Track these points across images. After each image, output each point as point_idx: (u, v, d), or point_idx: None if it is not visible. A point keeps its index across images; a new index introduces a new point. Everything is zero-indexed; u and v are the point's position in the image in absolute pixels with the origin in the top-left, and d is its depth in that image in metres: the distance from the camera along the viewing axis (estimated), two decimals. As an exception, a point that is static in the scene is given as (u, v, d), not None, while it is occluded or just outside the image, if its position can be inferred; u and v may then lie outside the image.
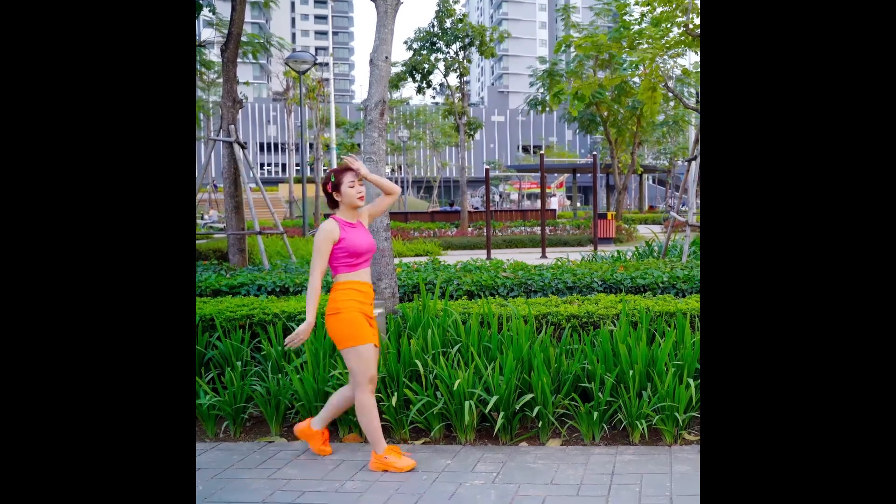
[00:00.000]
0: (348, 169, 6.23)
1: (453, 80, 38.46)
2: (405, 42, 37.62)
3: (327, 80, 67.68)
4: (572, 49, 22.50)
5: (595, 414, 6.38)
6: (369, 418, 6.05)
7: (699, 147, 13.90)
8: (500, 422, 6.43)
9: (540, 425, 6.55)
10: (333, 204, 6.29)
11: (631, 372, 6.43)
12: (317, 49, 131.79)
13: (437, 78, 38.46)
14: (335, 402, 6.37)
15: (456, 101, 38.95)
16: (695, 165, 13.91)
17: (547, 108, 40.37)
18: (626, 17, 15.63)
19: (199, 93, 37.30)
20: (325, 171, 56.79)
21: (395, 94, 59.15)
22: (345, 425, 6.81)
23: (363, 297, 6.13)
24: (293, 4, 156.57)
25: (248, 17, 18.79)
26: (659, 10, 14.25)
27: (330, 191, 6.22)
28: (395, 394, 6.63)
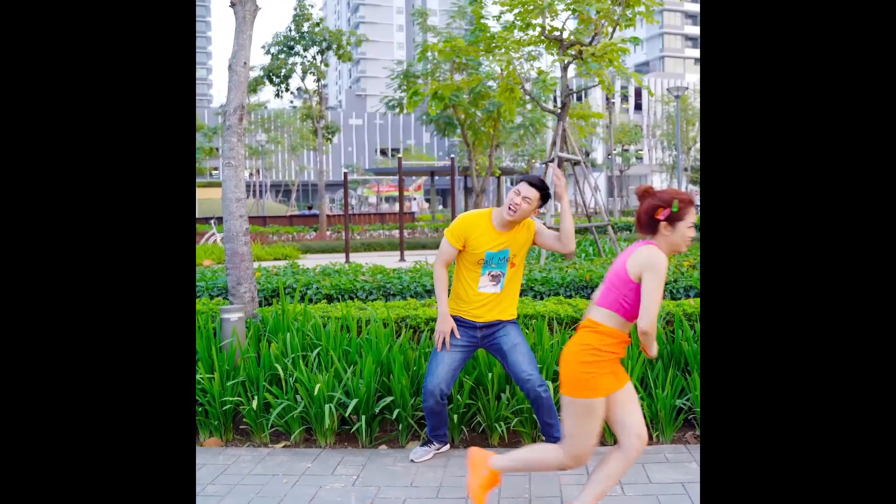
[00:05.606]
0: (692, 202, 4.63)
1: (311, 83, 38.28)
2: (263, 46, 37.30)
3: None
4: (428, 53, 22.55)
5: (454, 416, 6.47)
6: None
7: (556, 150, 13.99)
8: (360, 425, 6.47)
9: (400, 428, 6.60)
10: (649, 229, 4.68)
11: (490, 374, 6.51)
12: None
13: (295, 82, 38.46)
14: (530, 457, 4.94)
15: (314, 104, 38.80)
16: (552, 167, 13.94)
17: (404, 110, 40.44)
18: (483, 21, 15.66)
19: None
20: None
21: (254, 98, 58.73)
22: (205, 429, 6.76)
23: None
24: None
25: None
26: (517, 9, 14.33)
27: (663, 218, 4.56)
28: (255, 397, 6.60)
